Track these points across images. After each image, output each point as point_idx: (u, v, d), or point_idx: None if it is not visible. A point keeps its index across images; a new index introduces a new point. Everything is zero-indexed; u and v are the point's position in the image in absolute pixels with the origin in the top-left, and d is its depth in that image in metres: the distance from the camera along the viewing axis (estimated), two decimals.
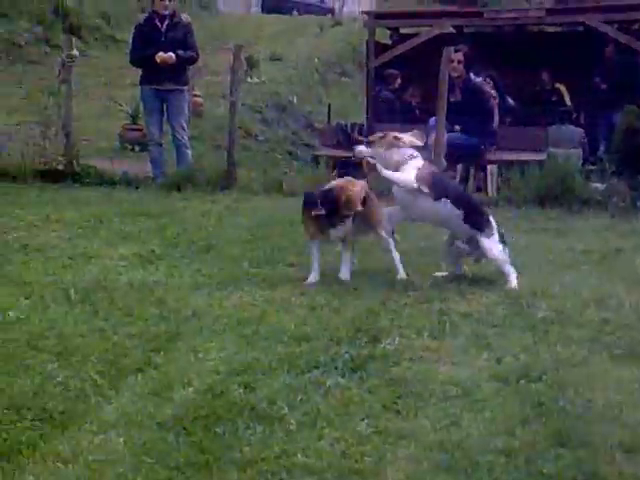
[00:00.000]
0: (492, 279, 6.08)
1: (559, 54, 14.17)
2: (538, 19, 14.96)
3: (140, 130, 13.15)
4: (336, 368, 4.35)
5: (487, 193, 11.17)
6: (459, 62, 10.76)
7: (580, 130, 12.69)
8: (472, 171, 11.58)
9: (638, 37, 13.60)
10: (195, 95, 15.52)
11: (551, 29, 18.43)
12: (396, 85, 14.13)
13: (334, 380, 4.20)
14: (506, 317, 5.23)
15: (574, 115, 13.86)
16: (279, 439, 3.59)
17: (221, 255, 6.77)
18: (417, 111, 13.66)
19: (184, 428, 3.69)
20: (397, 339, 4.78)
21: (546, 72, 14.53)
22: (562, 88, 14.47)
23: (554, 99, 14.29)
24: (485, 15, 14.57)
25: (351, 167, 10.45)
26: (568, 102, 14.28)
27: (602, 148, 13.22)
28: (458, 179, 11.79)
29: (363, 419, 3.79)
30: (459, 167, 11.97)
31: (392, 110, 13.64)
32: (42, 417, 3.78)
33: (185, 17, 10.89)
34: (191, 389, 4.13)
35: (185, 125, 10.81)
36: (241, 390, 4.09)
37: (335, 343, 4.72)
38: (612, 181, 9.27)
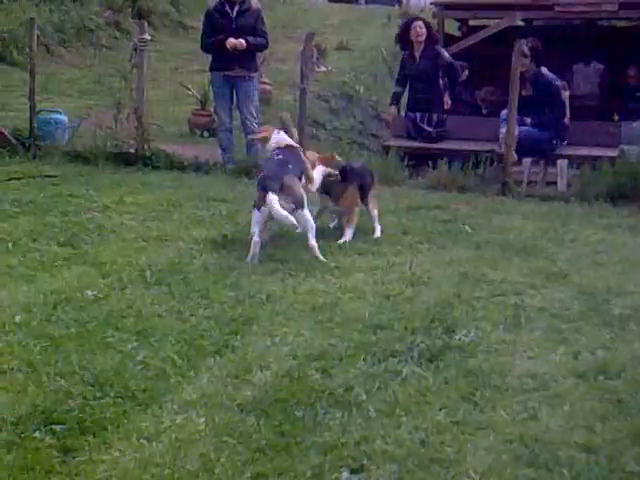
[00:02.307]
0: (566, 274, 6.03)
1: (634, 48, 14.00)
2: (611, 13, 14.75)
3: (209, 116, 13.22)
4: (412, 357, 4.38)
5: (558, 188, 11.07)
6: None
7: None
8: (542, 165, 11.47)
9: None
10: (264, 82, 15.55)
11: (622, 24, 18.21)
12: (463, 77, 14.06)
13: (410, 369, 4.23)
14: (581, 312, 5.19)
15: None
16: (358, 425, 3.63)
17: (293, 241, 6.77)
18: (485, 106, 13.58)
19: (264, 411, 3.74)
20: (472, 331, 4.78)
21: (634, 68, 14.31)
22: None
23: (638, 95, 14.09)
24: (556, 8, 14.38)
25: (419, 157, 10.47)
26: None
27: None
28: (526, 173, 11.73)
29: (441, 409, 3.81)
30: (526, 161, 11.89)
31: (460, 102, 13.57)
32: (124, 395, 3.87)
33: (255, 3, 10.90)
34: (269, 373, 4.18)
35: (255, 112, 10.82)
36: (318, 375, 4.14)
37: (410, 332, 4.74)
38: None
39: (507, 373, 4.22)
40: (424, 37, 11.59)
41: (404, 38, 11.84)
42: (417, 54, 11.60)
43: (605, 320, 5.07)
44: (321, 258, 6.31)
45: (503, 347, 4.59)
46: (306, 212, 6.37)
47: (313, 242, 6.36)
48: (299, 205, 6.31)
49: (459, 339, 4.66)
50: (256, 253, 6.24)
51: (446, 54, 11.86)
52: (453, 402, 3.87)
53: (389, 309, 5.15)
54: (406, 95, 12.06)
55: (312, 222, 6.42)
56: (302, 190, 6.47)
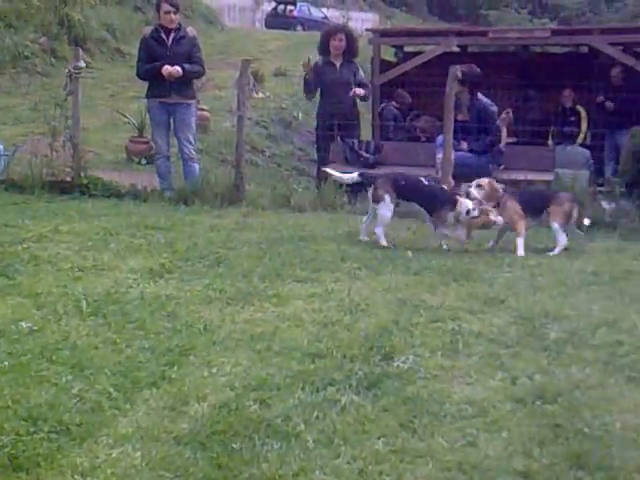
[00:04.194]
0: (503, 298, 6.06)
1: (568, 74, 14.26)
2: (543, 40, 15.03)
3: (147, 143, 13.14)
4: (350, 386, 4.35)
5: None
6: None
7: (586, 151, 12.71)
8: None
9: None
10: (201, 109, 15.53)
11: (555, 50, 18.54)
12: (405, 105, 14.18)
13: (349, 398, 4.20)
14: (519, 337, 5.21)
15: (581, 136, 13.94)
16: (296, 456, 3.59)
17: (231, 270, 6.76)
18: (424, 136, 13.69)
19: (201, 443, 3.69)
20: (411, 358, 4.77)
21: (569, 92, 14.54)
22: (582, 111, 14.49)
23: (572, 119, 14.32)
24: (490, 34, 14.60)
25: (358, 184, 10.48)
26: (584, 125, 14.32)
27: (609, 169, 13.28)
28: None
29: (379, 437, 3.79)
30: (464, 186, 11.99)
31: (398, 128, 13.67)
32: (58, 429, 3.79)
33: (190, 30, 10.90)
34: (206, 404, 4.13)
35: (192, 139, 10.80)
36: (256, 406, 4.09)
37: (349, 360, 4.72)
38: (621, 202, 9.27)
39: (445, 400, 4.21)
40: (342, 50, 11.67)
41: (324, 46, 11.89)
42: (337, 63, 11.68)
43: (542, 344, 5.09)
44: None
45: (441, 373, 4.59)
46: None
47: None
48: None
49: (397, 366, 4.65)
50: None
51: (362, 72, 11.98)
52: (392, 430, 3.86)
53: (327, 337, 5.12)
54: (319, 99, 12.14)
55: None
56: None
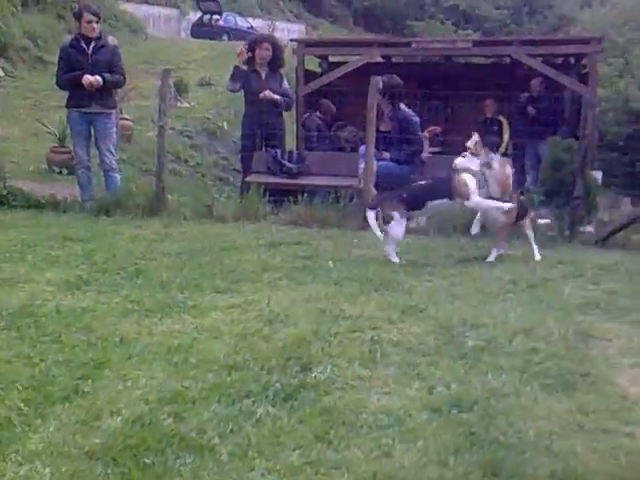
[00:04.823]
0: (422, 307, 6.08)
1: (490, 84, 14.48)
2: (465, 50, 15.19)
3: (68, 153, 12.99)
4: (267, 397, 4.31)
5: (418, 221, 11.24)
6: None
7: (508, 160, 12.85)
8: None
9: (563, 70, 13.93)
10: (124, 119, 15.41)
11: (478, 60, 18.76)
12: (330, 115, 14.20)
13: (265, 410, 4.15)
14: (437, 346, 5.22)
15: (503, 145, 14.12)
16: (210, 470, 3.54)
17: (150, 281, 6.69)
18: (349, 146, 13.70)
19: (113, 458, 3.62)
20: (328, 368, 4.74)
21: (491, 102, 14.72)
22: (504, 121, 14.68)
23: (494, 129, 14.49)
24: (414, 45, 14.73)
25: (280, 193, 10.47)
26: (506, 135, 14.50)
27: (530, 178, 13.47)
28: None
29: (295, 449, 3.75)
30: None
31: (322, 138, 13.69)
32: None
33: (111, 40, 10.82)
34: (119, 418, 4.05)
35: (113, 149, 10.71)
36: (170, 420, 4.03)
37: (266, 372, 4.67)
38: (540, 211, 9.37)
39: (362, 410, 4.19)
40: (268, 59, 11.65)
41: (250, 55, 11.83)
42: (263, 73, 11.64)
43: (460, 353, 5.11)
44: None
45: (359, 383, 4.57)
46: None
47: None
48: None
49: (315, 377, 4.62)
50: None
51: (286, 82, 11.97)
52: (307, 442, 3.82)
53: (245, 348, 5.07)
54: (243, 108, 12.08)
55: None
56: None
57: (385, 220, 8.00)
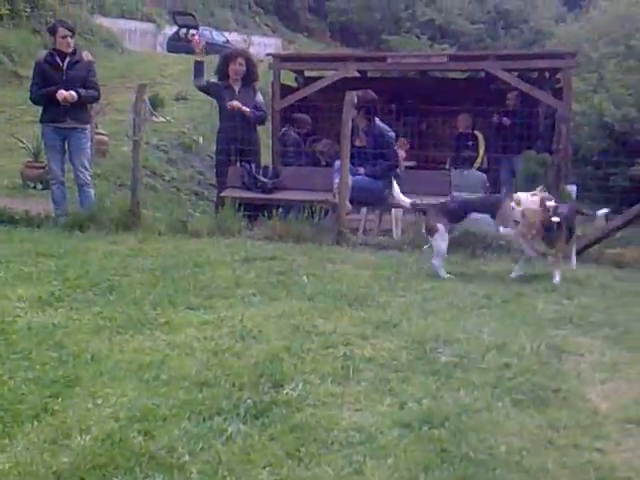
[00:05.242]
0: (396, 323, 6.08)
1: (466, 99, 14.57)
2: (441, 65, 15.28)
3: (42, 168, 12.93)
4: (238, 415, 4.29)
5: (393, 236, 11.27)
6: None
7: (482, 175, 12.92)
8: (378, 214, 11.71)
9: (537, 85, 14.02)
10: (100, 133, 15.37)
11: (454, 75, 18.87)
12: (306, 130, 14.20)
13: (236, 427, 4.13)
14: (409, 362, 5.22)
15: (478, 160, 14.17)
16: None
17: (123, 297, 6.65)
18: (324, 159, 13.68)
19: (81, 478, 3.60)
20: (300, 385, 4.73)
21: (466, 117, 14.79)
22: (480, 136, 14.74)
23: (470, 143, 14.55)
24: (389, 60, 14.79)
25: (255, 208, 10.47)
26: (481, 150, 14.56)
27: (505, 192, 13.52)
28: (363, 222, 11.92)
29: (265, 467, 3.74)
30: (363, 210, 12.08)
31: (299, 153, 13.68)
32: None
33: (86, 55, 10.79)
34: (89, 437, 4.01)
35: (87, 164, 10.67)
36: (140, 438, 4.00)
37: (237, 389, 4.65)
38: None
39: (333, 427, 4.18)
40: (242, 74, 11.64)
41: (223, 71, 11.82)
42: (236, 88, 11.63)
43: (432, 368, 5.10)
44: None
45: (331, 400, 4.55)
46: None
47: None
48: None
49: (287, 393, 4.60)
50: None
51: (260, 96, 11.96)
52: (278, 460, 3.81)
53: (217, 365, 5.05)
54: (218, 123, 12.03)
55: None
56: None
57: (428, 231, 8.11)
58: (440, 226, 8.02)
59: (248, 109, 11.51)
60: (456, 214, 8.16)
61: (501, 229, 7.99)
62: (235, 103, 11.41)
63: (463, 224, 8.32)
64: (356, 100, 10.18)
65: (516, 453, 3.91)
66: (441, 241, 8.03)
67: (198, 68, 11.79)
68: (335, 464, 3.78)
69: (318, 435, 4.08)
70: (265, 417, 4.27)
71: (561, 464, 3.81)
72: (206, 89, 11.93)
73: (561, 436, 4.12)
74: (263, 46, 37.57)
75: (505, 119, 14.17)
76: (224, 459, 3.79)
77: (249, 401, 4.45)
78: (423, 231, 8.34)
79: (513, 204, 7.81)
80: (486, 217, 8.08)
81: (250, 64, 11.86)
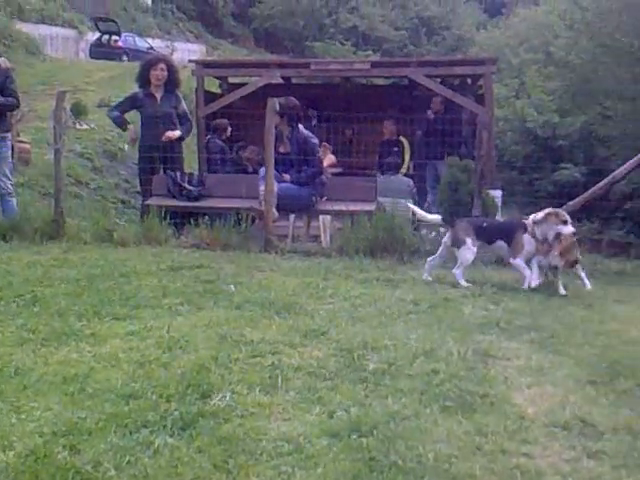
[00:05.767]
0: (324, 330, 6.07)
1: (391, 105, 14.66)
2: (364, 72, 15.35)
3: None
4: (165, 427, 4.23)
5: (322, 243, 11.29)
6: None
7: (409, 180, 12.99)
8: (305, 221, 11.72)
9: (460, 91, 14.17)
10: (22, 141, 15.13)
11: (379, 82, 18.97)
12: (227, 135, 14.14)
13: (163, 439, 4.07)
14: (338, 370, 5.21)
15: (404, 166, 14.26)
16: None
17: (47, 309, 6.54)
18: (251, 166, 13.64)
19: None
20: (228, 395, 4.69)
21: (391, 123, 14.89)
22: (405, 142, 14.85)
23: (395, 149, 14.63)
24: (312, 66, 14.80)
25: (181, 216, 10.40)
26: (407, 156, 14.66)
27: (430, 197, 13.65)
28: (291, 229, 11.91)
29: None
30: (291, 217, 12.08)
31: (225, 160, 13.62)
32: None
33: (4, 61, 10.62)
34: (12, 453, 3.91)
35: (8, 172, 10.52)
36: (66, 452, 3.91)
37: (164, 400, 4.59)
38: (440, 231, 9.47)
39: (262, 437, 4.15)
40: (164, 80, 11.57)
41: (144, 77, 11.73)
42: (158, 95, 11.55)
43: (361, 376, 5.10)
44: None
45: (259, 410, 4.52)
46: None
47: None
48: None
49: (214, 404, 4.56)
50: None
51: (184, 103, 11.92)
52: (205, 472, 3.76)
53: (143, 377, 4.98)
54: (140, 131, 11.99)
55: None
56: None
57: (455, 243, 8.28)
58: (468, 240, 8.26)
59: (178, 132, 11.46)
60: (486, 235, 8.42)
61: (511, 259, 8.38)
62: (168, 135, 11.35)
63: (492, 248, 8.63)
64: (278, 107, 10.18)
65: (444, 460, 3.92)
66: (468, 252, 8.24)
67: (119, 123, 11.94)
68: (264, 475, 3.75)
69: (246, 446, 4.04)
70: (192, 429, 4.22)
71: (489, 470, 3.84)
72: (117, 118, 11.89)
73: (489, 441, 4.15)
74: (187, 52, 37.48)
75: (429, 112, 14.29)
76: (151, 473, 3.74)
77: (176, 413, 4.40)
78: (446, 242, 8.43)
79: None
80: (504, 246, 8.45)
81: (172, 70, 11.78)
